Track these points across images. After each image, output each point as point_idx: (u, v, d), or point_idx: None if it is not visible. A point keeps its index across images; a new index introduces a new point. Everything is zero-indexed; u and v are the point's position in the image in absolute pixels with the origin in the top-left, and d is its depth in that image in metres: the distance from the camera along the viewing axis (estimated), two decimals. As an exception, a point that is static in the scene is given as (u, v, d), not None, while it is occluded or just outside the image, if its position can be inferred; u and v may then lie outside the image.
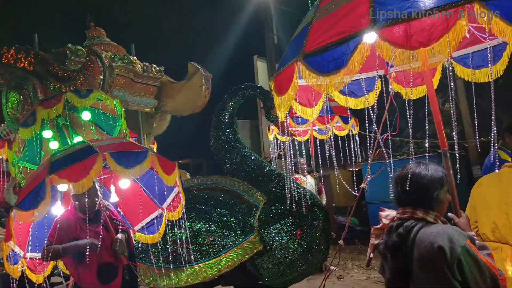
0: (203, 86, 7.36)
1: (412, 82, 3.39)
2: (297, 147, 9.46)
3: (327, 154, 9.26)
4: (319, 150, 8.93)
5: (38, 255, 4.02)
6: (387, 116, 3.67)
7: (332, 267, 6.29)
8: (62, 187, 3.71)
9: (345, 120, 7.98)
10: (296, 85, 2.92)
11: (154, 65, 7.59)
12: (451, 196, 2.44)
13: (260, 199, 5.46)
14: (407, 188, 2.24)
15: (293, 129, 8.49)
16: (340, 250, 4.09)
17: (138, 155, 3.65)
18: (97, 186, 3.88)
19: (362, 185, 3.87)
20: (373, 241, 2.40)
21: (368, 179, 3.99)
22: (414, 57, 2.81)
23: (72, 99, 4.38)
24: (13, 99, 6.31)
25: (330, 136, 8.72)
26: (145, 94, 7.56)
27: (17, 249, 3.82)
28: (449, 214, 2.42)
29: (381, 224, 2.41)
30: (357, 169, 14.66)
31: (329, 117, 7.93)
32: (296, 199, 5.40)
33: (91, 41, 7.17)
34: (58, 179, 3.42)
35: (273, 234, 5.26)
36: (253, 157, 5.92)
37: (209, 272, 5.11)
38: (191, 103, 7.56)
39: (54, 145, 4.60)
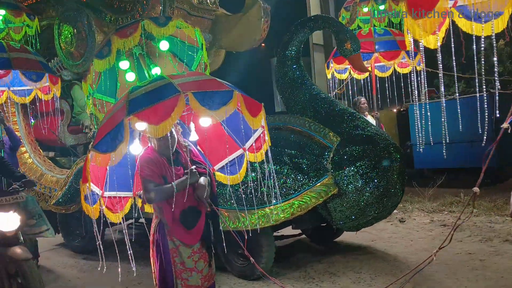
0: (262, 19, 6.88)
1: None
2: (355, 87, 9.07)
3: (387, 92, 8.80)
4: (378, 89, 8.47)
5: (118, 193, 3.84)
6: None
7: (395, 211, 6.00)
8: (140, 125, 3.43)
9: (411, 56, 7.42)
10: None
11: (209, -4, 7.12)
12: None
13: (333, 140, 5.11)
14: None
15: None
16: (475, 198, 3.78)
17: (223, 95, 3.30)
18: (176, 125, 3.60)
19: (504, 125, 3.46)
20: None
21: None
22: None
23: (149, 28, 4.03)
24: (66, 32, 6.00)
25: (392, 73, 8.27)
26: (200, 27, 7.12)
27: (96, 189, 3.62)
28: None
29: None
30: (403, 109, 14.11)
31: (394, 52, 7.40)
32: (371, 139, 5.08)
33: (143, -31, 6.72)
34: (137, 120, 3.12)
35: (347, 177, 4.95)
36: (323, 95, 5.53)
37: (281, 215, 4.89)
38: (248, 37, 7.12)
39: (130, 76, 4.30)
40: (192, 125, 3.80)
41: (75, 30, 5.91)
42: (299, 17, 6.48)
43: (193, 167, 3.56)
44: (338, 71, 8.13)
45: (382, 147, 5.01)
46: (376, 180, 4.93)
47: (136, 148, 3.67)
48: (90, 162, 3.28)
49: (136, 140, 3.65)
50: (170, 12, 5.49)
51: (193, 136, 3.75)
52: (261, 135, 3.79)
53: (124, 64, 4.23)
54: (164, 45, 4.29)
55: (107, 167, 3.65)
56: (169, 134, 3.43)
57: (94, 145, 3.25)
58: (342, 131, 5.16)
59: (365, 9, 7.84)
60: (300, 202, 4.89)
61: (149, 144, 3.67)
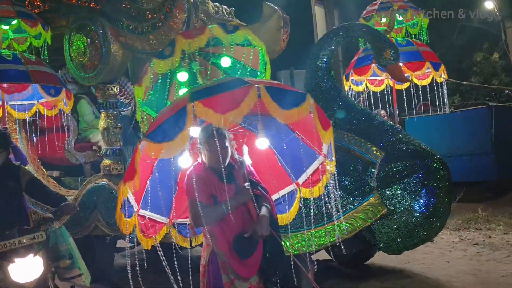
0: (282, 29, 6.49)
1: None
2: (372, 98, 8.74)
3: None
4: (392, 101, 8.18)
5: (153, 215, 3.39)
6: None
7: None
8: (194, 130, 3.02)
9: (436, 67, 7.15)
10: None
11: (225, 6, 6.75)
12: None
13: (377, 155, 4.73)
14: None
15: (372, 77, 7.72)
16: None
17: (296, 96, 2.95)
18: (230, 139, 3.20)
19: None
20: None
21: None
22: None
23: (217, 32, 3.66)
24: (79, 42, 5.54)
25: (410, 85, 7.97)
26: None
27: (132, 199, 3.17)
28: None
29: None
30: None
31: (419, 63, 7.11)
32: (418, 154, 4.72)
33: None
34: (202, 107, 2.72)
35: (395, 196, 4.57)
36: (359, 107, 5.17)
37: (325, 239, 4.47)
38: (267, 47, 6.73)
39: (183, 91, 3.90)
40: (245, 148, 3.40)
41: (88, 40, 5.46)
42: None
43: (247, 183, 3.14)
44: (355, 83, 7.82)
45: (430, 162, 4.65)
46: (425, 199, 4.56)
47: (185, 161, 3.23)
48: (140, 155, 2.85)
49: (186, 152, 3.21)
50: (195, 21, 5.08)
51: (246, 160, 3.34)
52: (320, 166, 3.40)
53: (182, 76, 3.86)
54: (225, 62, 3.91)
55: (148, 181, 3.23)
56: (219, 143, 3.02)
57: (147, 134, 2.83)
58: (384, 145, 4.79)
59: (383, 20, 7.56)
60: (346, 224, 4.48)
61: (198, 160, 3.24)
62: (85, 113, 6.74)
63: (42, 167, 6.70)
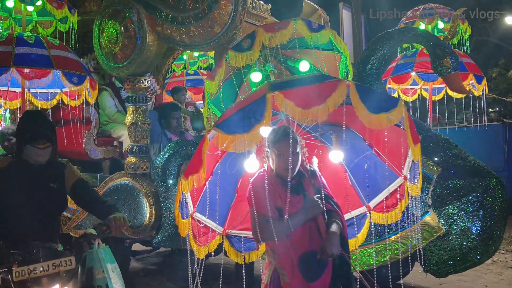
0: (322, 29, 6.16)
1: None
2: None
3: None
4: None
5: (208, 221, 3.05)
6: None
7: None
8: (265, 130, 2.67)
9: (478, 80, 6.82)
10: None
11: (262, 2, 6.39)
12: None
13: (433, 170, 4.37)
14: None
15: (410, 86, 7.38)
16: None
17: (387, 100, 2.64)
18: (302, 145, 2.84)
19: None
20: None
21: None
22: None
23: (301, 29, 3.31)
24: (111, 30, 5.15)
25: (444, 96, 7.66)
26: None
27: (189, 199, 2.82)
28: None
29: None
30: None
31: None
32: (476, 171, 4.38)
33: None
34: (283, 98, 2.39)
35: (451, 215, 4.23)
36: (412, 117, 4.81)
37: (372, 260, 4.11)
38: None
39: None
40: (315, 160, 3.04)
41: (122, 28, 5.08)
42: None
43: (316, 196, 2.78)
44: (388, 91, 7.49)
45: (489, 181, 4.31)
46: (483, 220, 4.22)
47: (251, 165, 2.87)
48: (208, 145, 2.50)
49: (253, 155, 2.85)
50: (242, 13, 4.72)
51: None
52: (399, 189, 3.06)
53: (256, 76, 3.49)
54: (304, 66, 3.55)
55: (207, 183, 2.88)
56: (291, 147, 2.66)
57: (218, 123, 2.48)
58: (440, 160, 4.44)
59: (422, 26, 7.23)
60: (401, 244, 4.13)
61: (264, 165, 2.88)
62: (106, 106, 6.34)
63: (58, 160, 6.31)
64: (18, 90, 5.72)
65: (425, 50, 7.01)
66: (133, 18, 5.01)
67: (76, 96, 5.66)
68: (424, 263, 4.41)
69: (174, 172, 5.11)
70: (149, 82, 5.44)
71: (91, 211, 3.20)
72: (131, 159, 5.41)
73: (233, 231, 3.23)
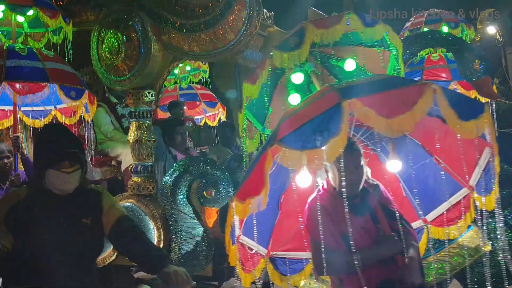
0: (329, 37, 5.89)
1: None
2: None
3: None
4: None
5: (254, 245, 2.66)
6: None
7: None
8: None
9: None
10: None
11: (265, 10, 6.10)
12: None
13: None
14: None
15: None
16: None
17: (473, 105, 2.33)
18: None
19: None
20: None
21: None
22: None
23: (355, 24, 2.98)
24: (112, 40, 4.75)
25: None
26: (252, 45, 6.06)
27: (237, 222, 2.44)
28: None
29: None
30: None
31: None
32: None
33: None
34: (362, 106, 2.03)
35: (494, 229, 3.93)
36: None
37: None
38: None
39: (295, 99, 3.17)
40: (368, 171, 2.70)
41: (124, 38, 4.68)
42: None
43: (394, 234, 2.42)
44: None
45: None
46: (527, 233, 3.95)
47: (303, 180, 2.49)
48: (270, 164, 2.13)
49: (304, 168, 2.47)
50: (257, 18, 4.39)
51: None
52: (463, 200, 2.75)
53: (297, 78, 3.12)
54: (350, 65, 3.21)
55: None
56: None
57: (280, 138, 2.10)
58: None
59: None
60: (441, 263, 3.80)
61: (323, 182, 2.52)
62: (102, 123, 5.92)
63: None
64: (8, 108, 5.25)
65: (433, 57, 6.85)
66: (136, 26, 4.63)
67: (72, 113, 5.23)
68: (464, 282, 4.11)
69: (184, 192, 4.73)
70: (153, 95, 5.04)
71: (140, 263, 2.60)
72: (135, 179, 4.98)
73: (278, 253, 2.86)
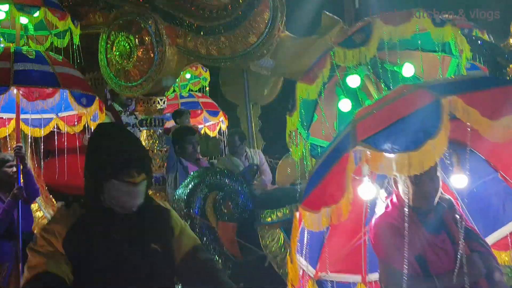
0: (344, 43, 5.66)
1: None
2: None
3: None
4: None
5: (303, 262, 2.34)
6: None
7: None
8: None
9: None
10: None
11: (277, 14, 5.85)
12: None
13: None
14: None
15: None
16: None
17: None
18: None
19: None
20: None
21: None
22: None
23: (426, 23, 2.70)
24: (123, 43, 4.46)
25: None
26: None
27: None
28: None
29: None
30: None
31: None
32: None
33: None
34: (464, 105, 1.76)
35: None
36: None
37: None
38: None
39: (345, 105, 2.87)
40: None
41: (137, 41, 4.39)
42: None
43: (475, 254, 2.14)
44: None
45: None
46: None
47: (367, 192, 2.19)
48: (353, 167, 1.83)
49: (366, 179, 2.16)
50: (281, 20, 4.16)
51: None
52: None
53: (353, 81, 2.82)
54: (408, 70, 2.91)
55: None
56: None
57: (364, 139, 1.81)
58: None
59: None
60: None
61: (392, 197, 2.25)
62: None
63: (51, 196, 5.47)
64: (7, 115, 4.90)
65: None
66: (150, 29, 4.35)
67: (76, 121, 4.89)
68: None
69: (199, 205, 4.42)
70: (165, 102, 4.76)
71: None
72: (145, 191, 4.67)
73: (326, 275, 2.57)
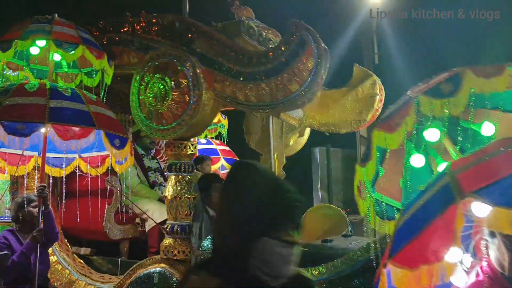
0: (377, 97, 5.55)
1: None
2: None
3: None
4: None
5: None
6: None
7: None
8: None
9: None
10: None
11: (308, 63, 5.76)
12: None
13: None
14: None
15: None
16: None
17: None
18: None
19: None
20: None
21: None
22: None
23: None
24: (158, 85, 4.32)
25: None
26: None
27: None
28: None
29: None
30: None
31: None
32: None
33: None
34: None
35: None
36: None
37: None
38: (354, 117, 5.71)
39: (418, 161, 2.67)
40: None
41: (172, 83, 4.26)
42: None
43: None
44: None
45: None
46: None
47: (452, 253, 1.94)
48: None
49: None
50: (325, 68, 4.02)
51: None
52: None
53: (432, 134, 2.64)
54: (488, 129, 2.74)
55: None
56: None
57: (474, 190, 1.58)
58: None
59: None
60: None
61: (480, 264, 2.01)
62: (128, 176, 5.37)
63: (66, 240, 5.20)
64: (28, 153, 4.70)
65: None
66: (187, 72, 4.22)
67: (99, 163, 4.69)
68: None
69: (227, 259, 4.14)
70: (196, 147, 4.57)
71: None
72: (169, 241, 4.41)
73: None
